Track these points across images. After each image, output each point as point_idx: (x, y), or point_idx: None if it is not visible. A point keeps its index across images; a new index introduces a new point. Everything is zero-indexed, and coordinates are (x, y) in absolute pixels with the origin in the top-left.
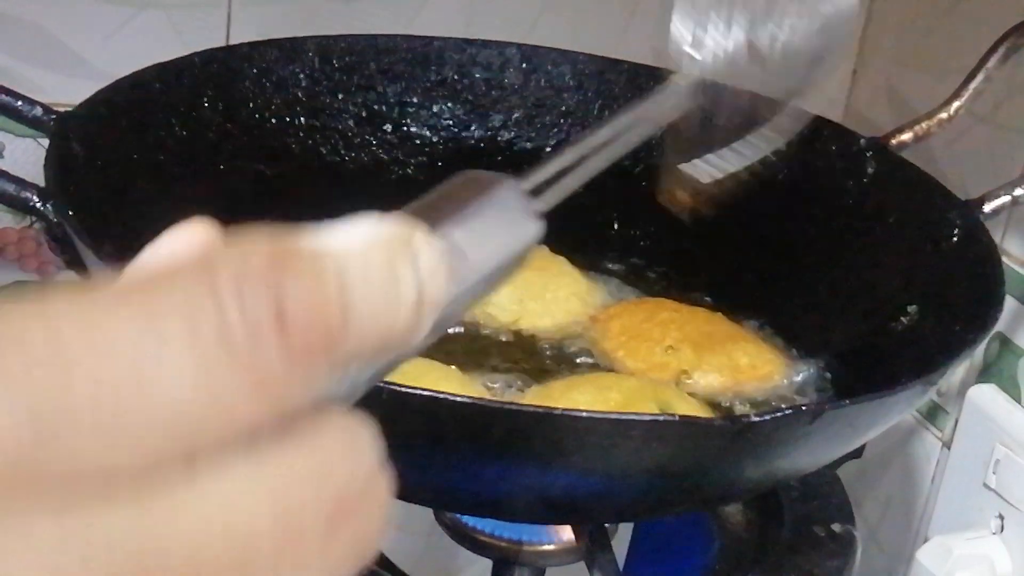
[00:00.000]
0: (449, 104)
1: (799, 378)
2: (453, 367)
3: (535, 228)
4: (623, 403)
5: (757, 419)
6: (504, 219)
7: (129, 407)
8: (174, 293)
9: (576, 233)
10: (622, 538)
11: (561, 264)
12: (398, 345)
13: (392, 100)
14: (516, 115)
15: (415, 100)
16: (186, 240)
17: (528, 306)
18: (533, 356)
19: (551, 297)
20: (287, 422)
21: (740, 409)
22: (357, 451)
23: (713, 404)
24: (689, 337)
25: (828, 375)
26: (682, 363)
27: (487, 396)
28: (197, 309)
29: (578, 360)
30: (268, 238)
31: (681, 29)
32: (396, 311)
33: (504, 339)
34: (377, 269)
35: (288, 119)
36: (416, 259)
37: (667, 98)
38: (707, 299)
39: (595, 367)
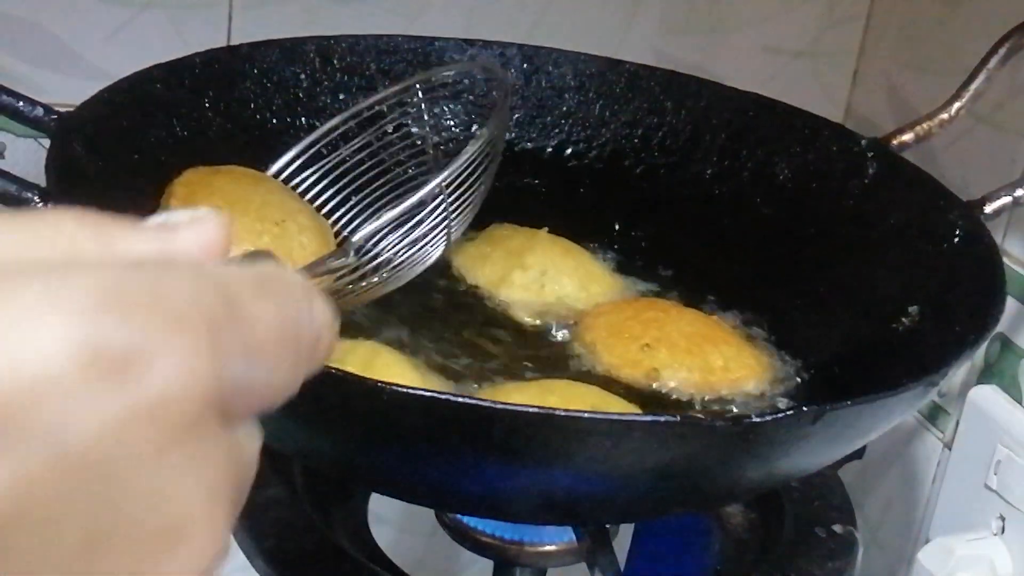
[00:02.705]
0: (450, 105)
1: (776, 382)
2: (402, 355)
3: None
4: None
5: (758, 419)
6: None
7: None
8: None
9: (576, 233)
10: (623, 539)
11: (570, 244)
12: None
13: (393, 101)
14: (517, 116)
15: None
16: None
17: (592, 289)
18: (514, 347)
19: (594, 273)
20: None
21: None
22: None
23: (680, 403)
24: (668, 337)
25: (806, 376)
26: (654, 361)
27: (438, 387)
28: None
29: (557, 353)
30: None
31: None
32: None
33: (498, 329)
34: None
35: (289, 119)
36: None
37: None
38: (711, 299)
39: (572, 360)
